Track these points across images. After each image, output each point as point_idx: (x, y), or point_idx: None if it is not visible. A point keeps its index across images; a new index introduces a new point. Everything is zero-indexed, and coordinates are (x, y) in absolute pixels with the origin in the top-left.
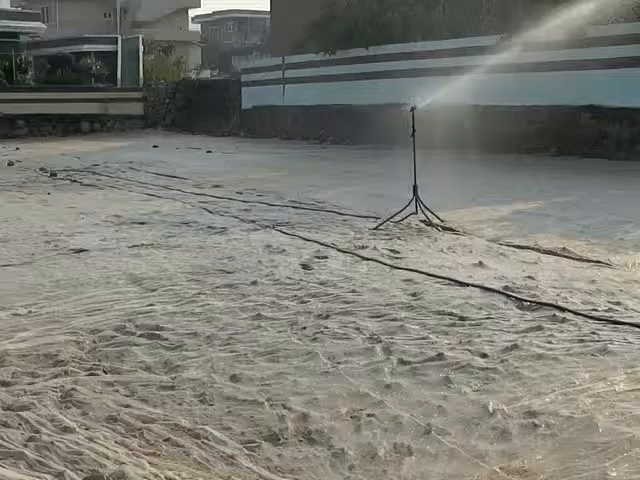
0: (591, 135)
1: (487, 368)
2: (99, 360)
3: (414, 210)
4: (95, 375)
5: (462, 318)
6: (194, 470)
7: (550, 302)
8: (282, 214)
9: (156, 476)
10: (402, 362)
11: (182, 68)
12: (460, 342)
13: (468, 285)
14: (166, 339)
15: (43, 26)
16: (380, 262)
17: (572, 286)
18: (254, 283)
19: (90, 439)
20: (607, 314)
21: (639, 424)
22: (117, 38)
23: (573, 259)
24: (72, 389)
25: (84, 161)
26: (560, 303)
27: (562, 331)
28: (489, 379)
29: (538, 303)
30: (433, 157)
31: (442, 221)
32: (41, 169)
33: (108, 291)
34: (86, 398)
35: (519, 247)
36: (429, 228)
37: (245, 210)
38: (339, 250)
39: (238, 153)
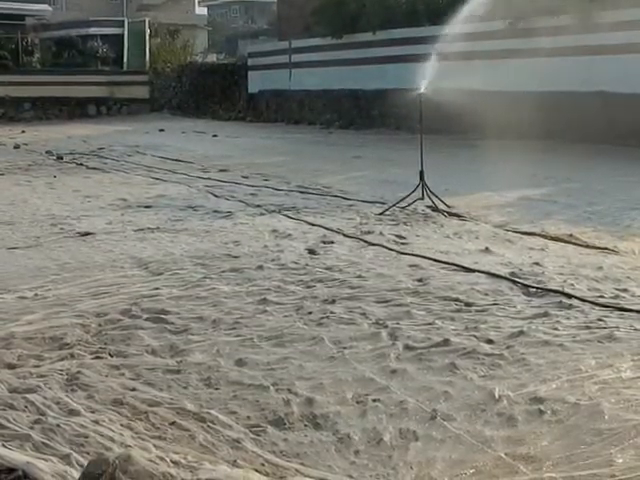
0: (601, 122)
1: (493, 354)
2: (105, 343)
3: (420, 196)
4: (101, 358)
5: (468, 304)
6: (200, 454)
7: (557, 289)
8: (288, 199)
9: (162, 459)
10: (408, 348)
11: (188, 52)
12: (466, 328)
13: (474, 271)
14: (172, 323)
15: (49, 8)
16: (386, 247)
17: (579, 273)
18: (260, 267)
19: (96, 422)
20: (614, 301)
21: None
22: (123, 21)
23: (580, 246)
24: (78, 372)
25: (90, 144)
26: (567, 290)
27: (568, 318)
28: (495, 365)
29: (544, 289)
30: (437, 142)
31: (448, 207)
32: (47, 152)
33: (114, 274)
34: (92, 381)
35: (526, 233)
36: (435, 214)
37: (251, 194)
38: (345, 235)
39: (244, 137)
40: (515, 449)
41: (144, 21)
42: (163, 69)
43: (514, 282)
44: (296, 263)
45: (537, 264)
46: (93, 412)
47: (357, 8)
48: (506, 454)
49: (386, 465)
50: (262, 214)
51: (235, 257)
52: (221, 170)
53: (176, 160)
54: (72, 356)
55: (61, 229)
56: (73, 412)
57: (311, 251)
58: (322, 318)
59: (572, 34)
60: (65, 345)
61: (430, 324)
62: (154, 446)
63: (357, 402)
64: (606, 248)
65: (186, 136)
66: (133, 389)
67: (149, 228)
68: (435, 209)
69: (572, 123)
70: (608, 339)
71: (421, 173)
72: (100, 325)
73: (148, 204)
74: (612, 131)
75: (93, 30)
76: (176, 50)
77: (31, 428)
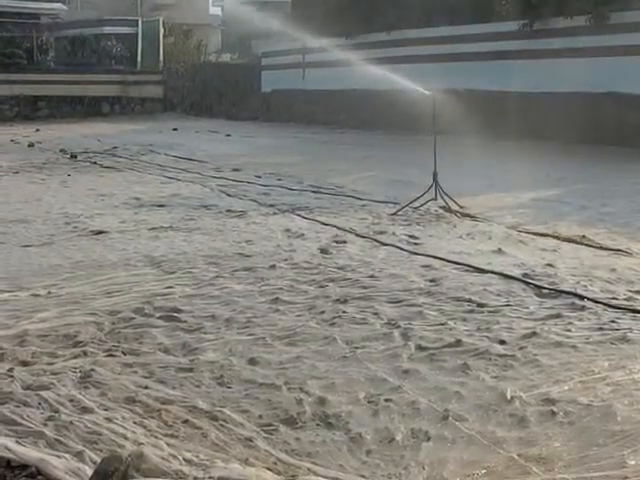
0: (613, 123)
1: (505, 355)
2: (118, 341)
3: (433, 196)
4: (114, 356)
5: (481, 305)
6: (212, 452)
7: (569, 290)
8: (301, 198)
9: (174, 457)
10: (420, 348)
11: (202, 51)
12: (478, 329)
13: (487, 272)
14: (184, 321)
15: (64, 7)
16: (399, 248)
17: (592, 274)
18: (273, 267)
19: (109, 419)
20: (627, 303)
21: None
22: (137, 20)
23: (593, 247)
24: (91, 370)
25: (104, 143)
26: (579, 291)
27: (581, 319)
28: (507, 366)
29: (557, 291)
30: (450, 143)
31: (461, 207)
32: (61, 151)
33: (127, 273)
34: (105, 379)
35: (538, 234)
36: (448, 214)
37: (264, 194)
38: (358, 235)
39: (257, 137)
40: (527, 450)
41: (158, 20)
42: (177, 68)
43: (527, 283)
44: (309, 263)
45: (550, 265)
46: (106, 410)
47: (371, 8)
48: (518, 455)
49: (398, 465)
50: (275, 213)
51: (248, 256)
52: (234, 169)
53: (189, 159)
54: (85, 354)
55: (75, 227)
56: (86, 409)
57: (324, 251)
58: (334, 318)
59: (583, 35)
60: (78, 343)
61: (442, 324)
62: (166, 444)
63: (369, 402)
64: (619, 250)
65: (199, 135)
66: (146, 387)
67: (162, 227)
68: (448, 209)
69: (584, 124)
70: (621, 341)
71: (434, 173)
72: (113, 323)
73: (161, 203)
74: (624, 132)
75: (107, 29)
76: (190, 49)
77: (45, 425)
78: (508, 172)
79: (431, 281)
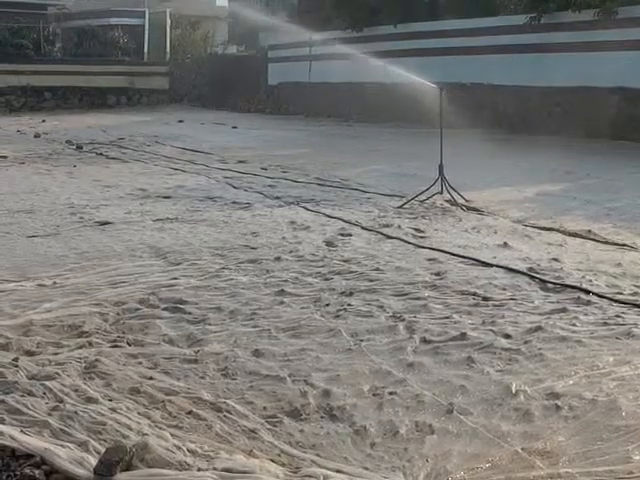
0: (620, 117)
1: (510, 349)
2: (123, 332)
3: (439, 189)
4: (119, 347)
5: (486, 298)
6: (216, 443)
7: (575, 284)
8: (307, 191)
9: (178, 448)
10: (425, 341)
11: (209, 43)
12: (483, 322)
13: (492, 265)
14: (190, 313)
15: None
16: (404, 241)
17: (597, 269)
18: (278, 259)
19: (113, 410)
20: (632, 297)
21: None
22: (144, 12)
23: (599, 242)
24: (96, 360)
25: (110, 134)
26: (585, 286)
27: (586, 314)
28: (512, 360)
29: (563, 285)
30: (457, 136)
31: (467, 201)
32: (67, 141)
33: (132, 264)
34: (110, 369)
35: (544, 229)
36: (454, 208)
37: (270, 186)
38: (363, 228)
39: (263, 129)
40: (531, 444)
41: (165, 12)
42: (183, 60)
43: (532, 277)
44: (314, 255)
45: (555, 260)
46: (111, 400)
47: (378, 1)
48: (522, 449)
49: (402, 457)
50: (280, 206)
51: (253, 248)
52: (240, 161)
53: (195, 151)
54: (90, 344)
55: (80, 218)
56: (91, 400)
57: (329, 243)
58: (339, 310)
59: (591, 29)
60: (83, 333)
61: (447, 318)
62: (171, 435)
63: (374, 394)
64: (625, 244)
65: (205, 127)
66: (150, 378)
67: (168, 218)
68: (454, 203)
69: (591, 119)
70: (626, 336)
71: (440, 167)
72: (118, 314)
73: (167, 194)
74: (632, 127)
75: (114, 20)
76: (196, 41)
77: (49, 415)
78: (514, 166)
79: (436, 274)
